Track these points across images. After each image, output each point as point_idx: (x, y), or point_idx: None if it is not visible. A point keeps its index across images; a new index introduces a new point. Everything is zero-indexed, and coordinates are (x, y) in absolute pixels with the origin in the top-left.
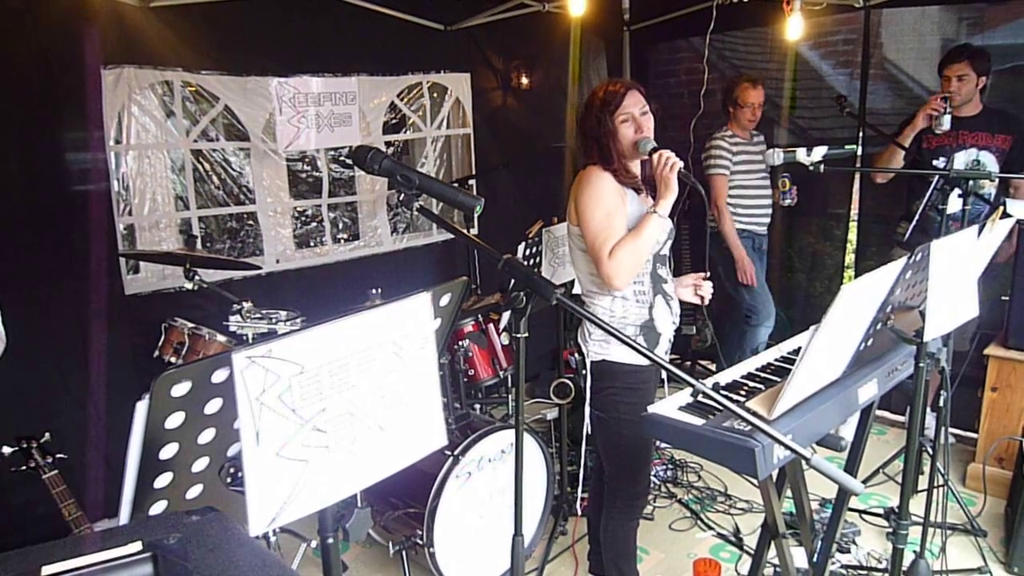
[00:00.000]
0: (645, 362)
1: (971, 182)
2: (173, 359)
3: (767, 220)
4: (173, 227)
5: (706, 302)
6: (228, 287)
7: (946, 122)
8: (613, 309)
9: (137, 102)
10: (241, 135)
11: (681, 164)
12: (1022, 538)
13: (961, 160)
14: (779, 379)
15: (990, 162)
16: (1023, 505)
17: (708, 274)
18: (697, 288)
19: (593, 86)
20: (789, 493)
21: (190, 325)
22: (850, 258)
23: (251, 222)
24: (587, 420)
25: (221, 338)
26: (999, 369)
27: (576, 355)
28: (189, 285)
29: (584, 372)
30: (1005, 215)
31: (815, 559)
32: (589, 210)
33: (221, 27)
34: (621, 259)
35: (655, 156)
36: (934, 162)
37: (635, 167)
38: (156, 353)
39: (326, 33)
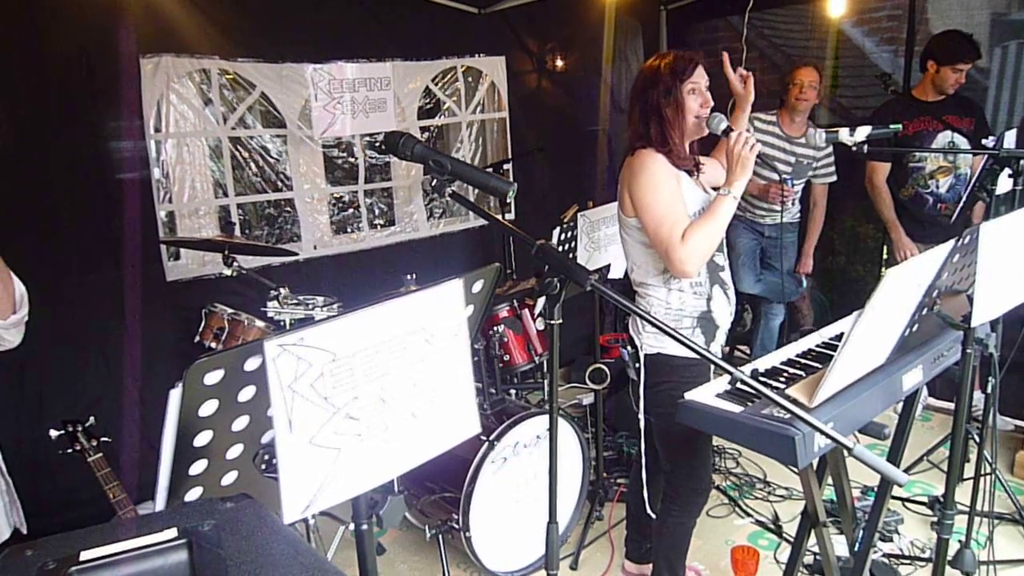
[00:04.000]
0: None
1: (1023, 162)
2: (213, 344)
3: (774, 216)
4: (212, 214)
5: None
6: (266, 273)
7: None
8: (670, 301)
9: (175, 90)
10: (277, 122)
11: (760, 147)
12: None
13: (939, 143)
14: (820, 365)
15: (962, 143)
16: None
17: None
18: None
19: (631, 67)
20: (830, 480)
21: (229, 311)
22: None
23: (288, 208)
24: (641, 414)
25: (260, 323)
26: None
27: (629, 348)
28: (228, 271)
29: (637, 366)
30: None
31: (856, 548)
32: (649, 197)
33: (256, 14)
34: (695, 244)
35: (733, 135)
36: (983, 142)
37: (686, 148)
38: (197, 338)
39: (360, 18)
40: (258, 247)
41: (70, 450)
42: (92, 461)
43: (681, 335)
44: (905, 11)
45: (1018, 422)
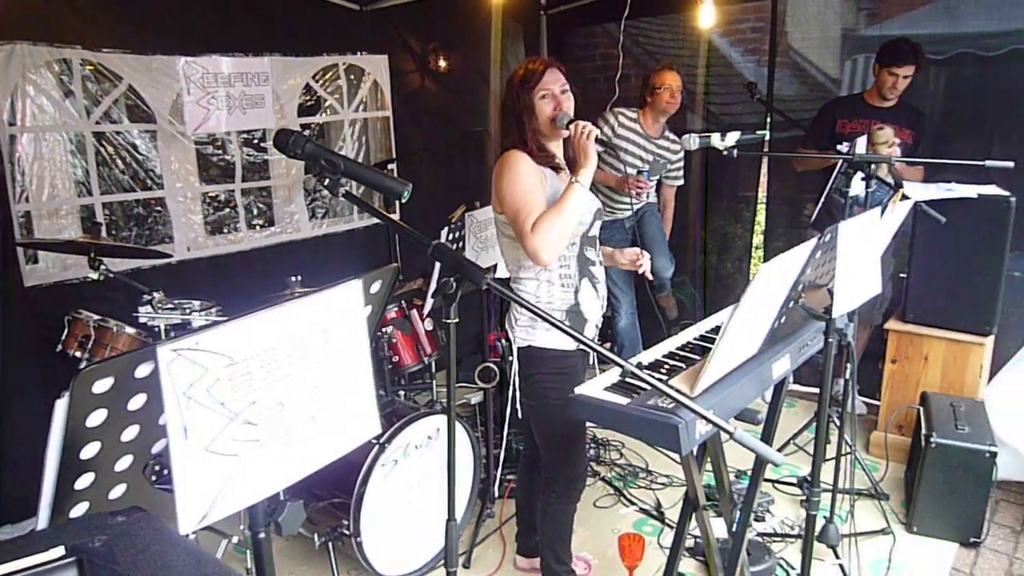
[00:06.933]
0: (572, 346)
1: (873, 166)
2: (78, 353)
3: (629, 211)
4: (74, 214)
5: (648, 277)
6: (136, 276)
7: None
8: (538, 294)
9: (32, 81)
10: (147, 117)
11: (598, 132)
12: (920, 500)
13: (864, 146)
14: (698, 357)
15: (894, 152)
16: (920, 469)
17: (641, 250)
18: (636, 262)
19: (511, 70)
20: (708, 466)
21: (96, 317)
22: (759, 239)
23: (159, 208)
24: (516, 405)
25: (130, 330)
26: (898, 342)
27: (503, 341)
28: (94, 275)
29: (511, 358)
30: (904, 197)
31: (734, 528)
32: (508, 191)
33: (122, 2)
34: (545, 232)
35: (572, 127)
36: (839, 147)
37: (555, 147)
38: (59, 347)
39: (235, 11)
40: (127, 248)
41: None
42: None
43: (561, 322)
44: (767, 24)
45: (871, 401)
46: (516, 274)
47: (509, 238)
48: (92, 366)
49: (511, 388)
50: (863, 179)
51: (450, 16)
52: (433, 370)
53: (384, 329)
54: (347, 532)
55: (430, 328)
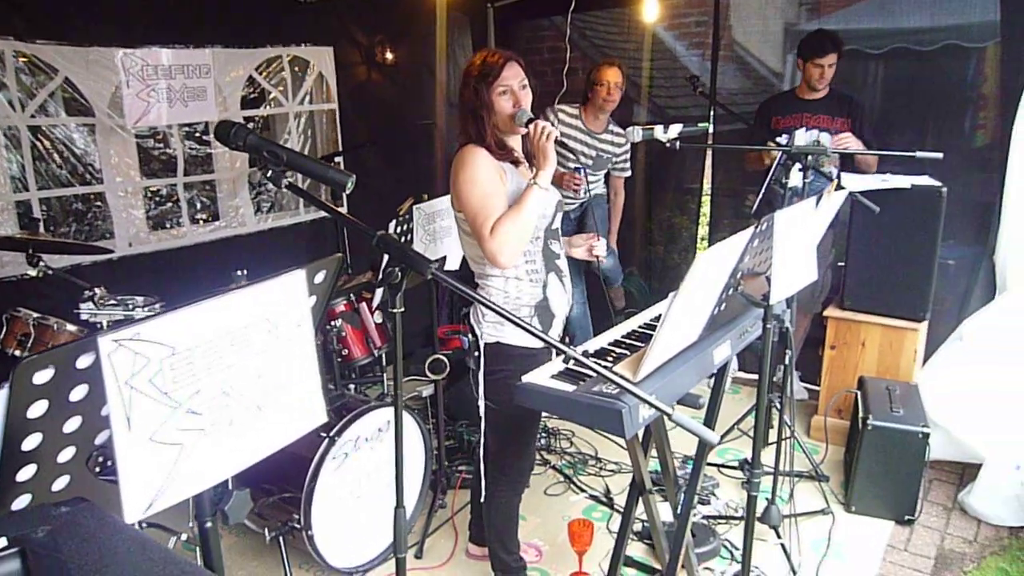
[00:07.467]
0: (539, 344)
1: (810, 157)
2: (17, 352)
3: (574, 204)
4: (10, 210)
5: (602, 261)
6: (77, 273)
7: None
8: (507, 290)
9: None
10: (84, 110)
11: (557, 133)
12: (858, 481)
13: (802, 139)
14: (643, 344)
15: (829, 142)
16: (858, 451)
17: (598, 235)
18: (591, 249)
19: (459, 62)
20: (654, 452)
21: (35, 315)
22: (704, 230)
23: (99, 203)
24: (488, 402)
25: (71, 327)
26: (836, 329)
27: (469, 336)
28: (33, 272)
29: (477, 354)
30: (840, 187)
31: (679, 512)
32: (466, 191)
33: None
34: (503, 235)
35: (531, 127)
36: (777, 140)
37: (513, 141)
38: None
39: (176, 1)
40: (67, 244)
41: None
42: None
43: (534, 327)
44: (711, 18)
45: (812, 386)
46: (482, 271)
47: (469, 235)
48: (32, 357)
49: (479, 384)
50: (801, 170)
51: (396, 8)
52: (384, 363)
53: (333, 322)
54: (298, 526)
55: (380, 321)
